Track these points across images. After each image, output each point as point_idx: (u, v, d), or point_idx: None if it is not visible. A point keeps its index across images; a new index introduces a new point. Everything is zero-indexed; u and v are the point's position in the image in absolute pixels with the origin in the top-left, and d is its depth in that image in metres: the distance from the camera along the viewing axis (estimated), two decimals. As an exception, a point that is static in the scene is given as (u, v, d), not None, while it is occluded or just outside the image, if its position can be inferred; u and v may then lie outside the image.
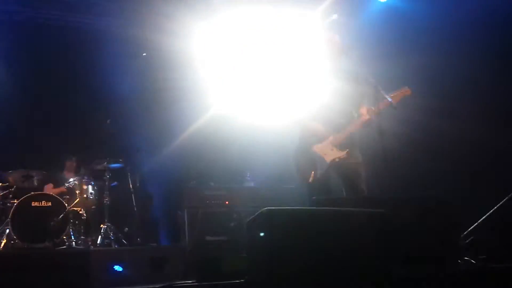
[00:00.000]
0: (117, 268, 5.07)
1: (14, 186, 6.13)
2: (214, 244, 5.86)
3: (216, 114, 7.65)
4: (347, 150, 4.11)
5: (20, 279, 4.46)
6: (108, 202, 6.48)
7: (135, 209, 6.91)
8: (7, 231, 5.74)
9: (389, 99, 3.85)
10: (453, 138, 5.56)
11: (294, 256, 2.67)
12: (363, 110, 4.13)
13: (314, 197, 3.74)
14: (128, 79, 8.18)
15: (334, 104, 4.20)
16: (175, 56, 7.59)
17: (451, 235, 3.34)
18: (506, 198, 4.31)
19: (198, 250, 5.71)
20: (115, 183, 6.79)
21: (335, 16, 7.06)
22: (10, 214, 5.74)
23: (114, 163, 6.71)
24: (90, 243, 6.07)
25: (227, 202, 6.29)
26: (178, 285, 3.75)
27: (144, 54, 7.01)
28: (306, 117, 4.28)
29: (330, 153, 4.13)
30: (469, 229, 4.24)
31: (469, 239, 4.12)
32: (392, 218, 2.88)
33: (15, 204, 5.82)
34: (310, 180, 4.10)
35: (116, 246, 6.10)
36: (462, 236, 4.08)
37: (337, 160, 4.10)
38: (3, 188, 6.08)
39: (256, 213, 2.85)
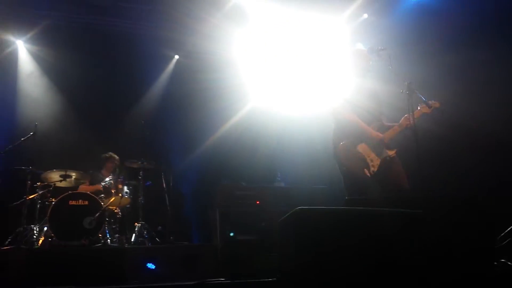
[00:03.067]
0: (150, 265, 5.17)
1: (53, 185, 6.31)
2: (245, 243, 5.90)
3: (248, 115, 7.72)
4: (396, 149, 4.23)
5: (57, 275, 4.62)
6: (142, 201, 6.61)
7: (168, 208, 7.02)
8: (45, 228, 5.93)
9: (429, 105, 3.94)
10: (487, 138, 5.44)
11: (326, 256, 2.67)
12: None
13: (347, 197, 3.75)
14: (162, 80, 8.34)
15: (369, 106, 4.26)
16: (207, 58, 7.70)
17: (487, 236, 3.27)
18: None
19: (229, 249, 5.76)
20: (149, 182, 6.91)
21: (365, 16, 7.02)
22: (49, 213, 5.92)
23: (148, 162, 6.83)
24: (124, 241, 6.20)
25: (258, 202, 6.32)
26: (211, 282, 3.80)
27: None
28: (346, 113, 4.29)
29: (380, 151, 4.20)
30: (506, 231, 4.14)
31: (506, 241, 4.03)
32: (426, 219, 2.85)
33: (53, 202, 6.01)
34: (367, 175, 4.12)
35: (149, 244, 6.21)
36: (498, 238, 4.00)
37: (388, 158, 4.18)
38: (42, 188, 6.27)
39: (289, 213, 2.86)
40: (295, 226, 2.74)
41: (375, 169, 4.13)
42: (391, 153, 4.21)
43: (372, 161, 4.16)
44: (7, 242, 5.80)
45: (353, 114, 4.27)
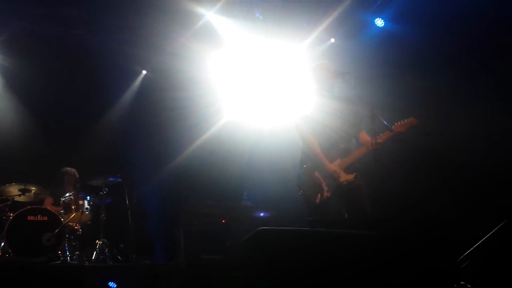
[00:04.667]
0: (112, 284, 5.05)
1: (11, 199, 6.11)
2: (210, 262, 5.85)
3: (217, 133, 7.72)
4: (355, 173, 4.20)
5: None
6: (104, 218, 6.47)
7: (131, 225, 6.89)
8: (2, 244, 5.72)
9: (391, 129, 3.97)
10: (450, 158, 5.61)
11: (288, 275, 2.68)
12: (364, 137, 4.26)
13: (309, 218, 3.77)
14: (129, 95, 8.27)
15: (334, 125, 4.29)
16: (175, 76, 7.69)
17: (447, 258, 3.35)
18: (502, 223, 4.32)
19: (193, 268, 5.69)
20: (111, 199, 6.78)
21: (332, 40, 7.21)
22: (6, 227, 5.72)
23: (111, 178, 6.71)
24: (85, 258, 6.04)
25: (223, 221, 6.28)
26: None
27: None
28: (308, 132, 4.34)
29: (336, 180, 4.18)
30: (465, 253, 4.24)
31: (465, 264, 4.12)
32: (386, 240, 2.90)
33: (11, 217, 5.81)
34: (317, 201, 4.15)
35: (111, 262, 6.07)
36: (458, 260, 4.08)
37: (345, 183, 4.17)
38: (0, 201, 6.07)
39: (251, 233, 2.87)
40: (257, 246, 2.74)
41: (329, 195, 4.16)
42: (349, 178, 4.18)
43: (327, 186, 4.19)
44: (-42, 259, 5.55)
45: (311, 137, 4.30)
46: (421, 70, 5.89)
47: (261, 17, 7.01)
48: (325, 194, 4.14)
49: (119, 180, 6.83)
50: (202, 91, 7.56)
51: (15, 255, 5.62)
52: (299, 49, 7.22)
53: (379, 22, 6.74)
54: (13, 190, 6.13)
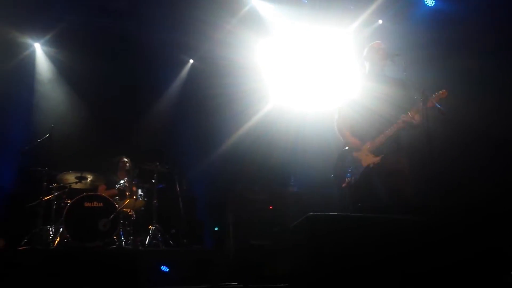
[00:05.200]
0: (164, 268, 5.21)
1: (68, 187, 6.40)
2: (258, 248, 5.91)
3: (263, 119, 7.75)
4: (382, 155, 4.09)
5: (71, 276, 4.68)
6: (156, 204, 6.66)
7: (182, 211, 7.06)
8: (61, 230, 6.01)
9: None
10: (501, 141, 5.40)
11: (337, 261, 2.67)
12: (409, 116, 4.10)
13: (359, 204, 3.74)
14: (177, 84, 8.42)
15: (381, 110, 4.19)
16: (222, 63, 7.75)
17: (500, 245, 3.23)
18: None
19: (242, 253, 5.77)
20: (161, 185, 6.96)
21: (380, 22, 7.02)
22: (64, 214, 6.00)
23: (162, 165, 6.89)
24: (139, 243, 6.25)
25: (271, 207, 6.32)
26: (224, 286, 3.81)
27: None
28: (348, 122, 4.30)
29: (365, 159, 4.14)
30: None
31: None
32: (431, 227, 2.84)
33: (68, 204, 6.09)
34: (343, 185, 4.13)
35: (163, 247, 6.25)
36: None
37: (371, 165, 4.09)
38: (58, 189, 6.36)
39: (301, 218, 2.87)
40: (306, 231, 2.74)
41: (354, 179, 4.11)
42: (375, 160, 4.08)
43: (357, 169, 4.14)
44: (23, 243, 5.88)
45: (342, 121, 4.31)
46: (472, 50, 5.66)
47: (306, 1, 6.92)
48: (352, 178, 4.10)
49: (170, 167, 7.00)
50: (248, 77, 7.58)
51: (73, 240, 5.89)
52: (346, 33, 7.08)
53: (430, 1, 6.50)
54: (70, 178, 6.40)
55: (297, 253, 3.01)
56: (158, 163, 6.83)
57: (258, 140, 7.74)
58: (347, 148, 4.36)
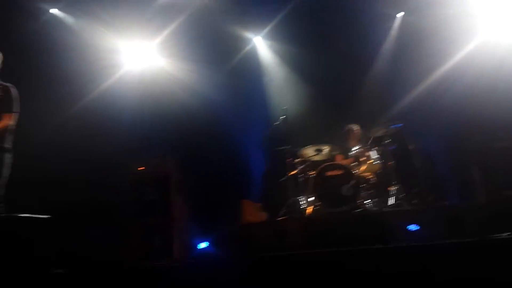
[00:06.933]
0: (411, 227, 5.27)
1: (309, 160, 6.98)
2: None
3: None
4: None
5: (328, 239, 5.18)
6: (392, 165, 6.73)
7: (419, 169, 6.95)
8: (310, 199, 6.62)
9: None
10: None
11: None
12: None
13: None
14: (389, 42, 8.23)
15: None
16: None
17: None
18: None
19: (494, 205, 5.40)
20: (394, 146, 6.96)
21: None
22: (310, 185, 6.62)
23: (393, 126, 6.87)
24: (382, 205, 6.45)
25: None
26: (493, 237, 3.69)
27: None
28: None
29: None
30: None
31: None
32: None
33: (312, 175, 6.67)
34: None
35: (407, 207, 6.31)
36: None
37: None
38: (301, 163, 6.99)
39: None
40: None
41: None
42: None
43: None
44: (281, 214, 6.71)
45: None
46: None
47: None
48: None
49: (400, 126, 6.93)
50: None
51: (323, 207, 6.45)
52: None
53: None
54: (310, 151, 6.97)
55: None
56: (387, 125, 6.86)
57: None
58: None
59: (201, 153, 7.87)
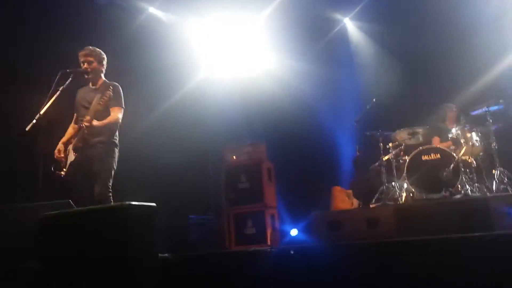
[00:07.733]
0: (517, 212, 4.90)
1: (403, 144, 6.72)
2: None
3: None
4: None
5: (423, 227, 4.96)
6: (495, 147, 6.25)
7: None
8: (405, 185, 6.39)
9: None
10: None
11: None
12: None
13: None
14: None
15: None
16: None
17: None
18: None
19: None
20: (497, 125, 6.47)
21: None
22: (405, 169, 6.37)
23: (493, 106, 6.40)
24: (485, 190, 6.04)
25: None
26: None
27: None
28: None
29: None
30: None
31: None
32: None
33: (407, 160, 6.42)
34: None
35: (513, 191, 5.86)
36: None
37: None
38: (394, 147, 6.75)
39: None
40: None
41: None
42: None
43: None
44: (374, 200, 6.56)
45: None
46: None
47: None
48: None
49: (501, 106, 6.44)
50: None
51: (418, 193, 6.19)
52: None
53: None
54: (403, 135, 6.71)
55: None
56: (487, 103, 6.37)
57: None
58: None
59: (292, 140, 7.95)
